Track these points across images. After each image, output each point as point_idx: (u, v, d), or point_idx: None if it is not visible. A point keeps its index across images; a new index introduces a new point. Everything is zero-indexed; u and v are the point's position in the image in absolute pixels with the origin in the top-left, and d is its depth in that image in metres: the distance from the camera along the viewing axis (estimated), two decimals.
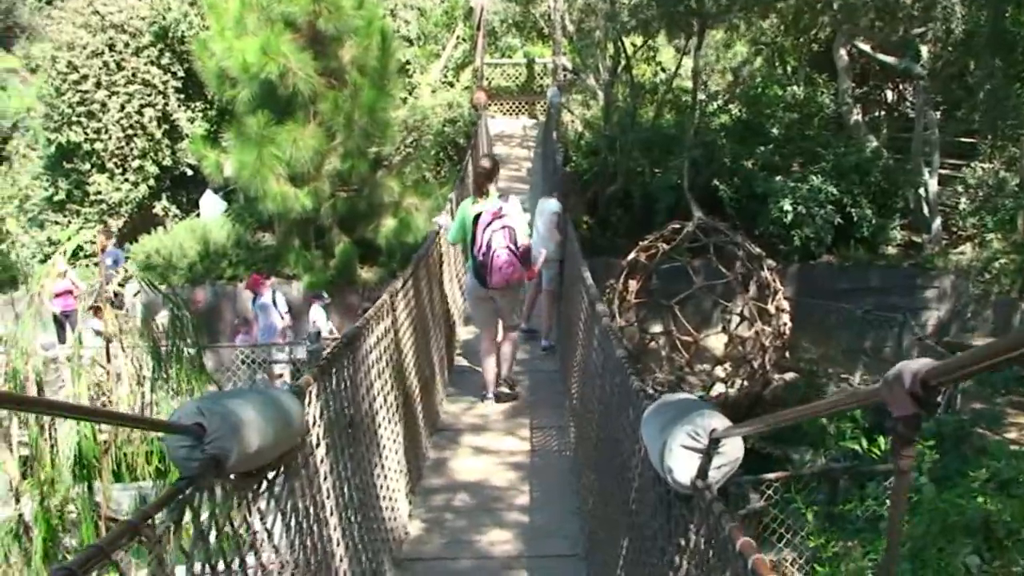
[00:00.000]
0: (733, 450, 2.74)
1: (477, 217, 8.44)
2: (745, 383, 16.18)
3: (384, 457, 5.42)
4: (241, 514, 2.82)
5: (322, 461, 3.80)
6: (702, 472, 2.67)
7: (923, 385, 1.62)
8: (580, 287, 7.31)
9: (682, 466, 2.70)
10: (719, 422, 2.71)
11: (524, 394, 9.21)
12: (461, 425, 8.27)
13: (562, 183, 12.55)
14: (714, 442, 2.66)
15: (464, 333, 11.41)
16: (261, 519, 3.00)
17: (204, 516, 2.55)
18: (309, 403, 3.59)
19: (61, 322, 16.15)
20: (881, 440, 14.80)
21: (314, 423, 3.67)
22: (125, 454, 6.72)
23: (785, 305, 15.89)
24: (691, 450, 2.68)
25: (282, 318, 15.70)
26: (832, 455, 15.32)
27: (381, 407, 5.42)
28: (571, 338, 8.42)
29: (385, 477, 5.41)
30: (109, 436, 6.64)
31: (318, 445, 3.73)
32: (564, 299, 10.35)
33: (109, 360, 6.79)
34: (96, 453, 6.52)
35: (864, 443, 14.96)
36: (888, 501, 9.79)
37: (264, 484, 3.03)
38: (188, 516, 2.46)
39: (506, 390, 9.04)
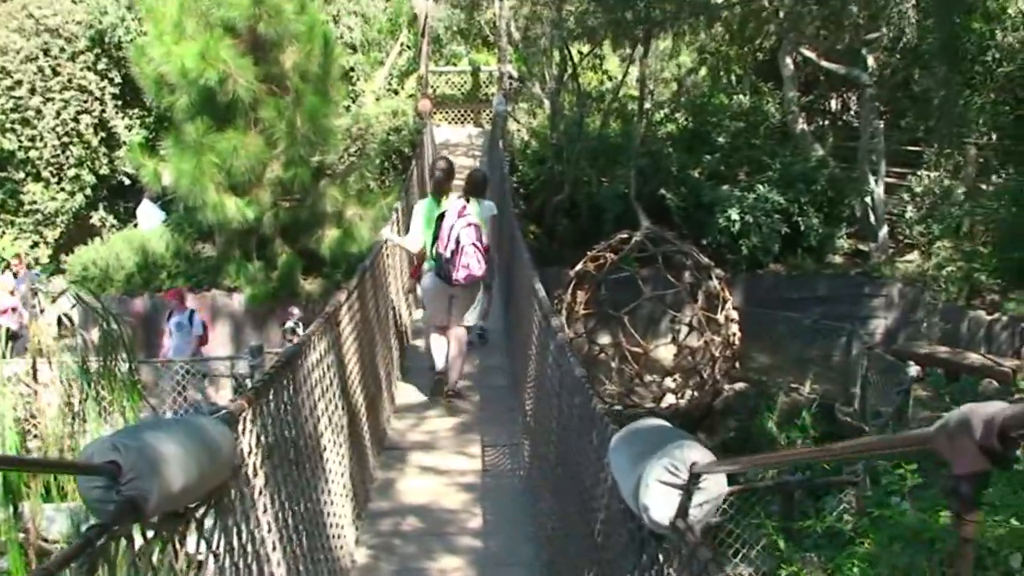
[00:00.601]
0: (716, 486, 2.45)
1: (440, 216, 8.75)
2: (695, 394, 16.04)
3: (329, 481, 5.11)
4: (166, 561, 2.49)
5: (260, 493, 3.49)
6: (682, 511, 2.39)
7: (1001, 436, 1.24)
8: (532, 299, 7.05)
9: (659, 503, 2.42)
10: (700, 455, 2.44)
11: (472, 408, 8.93)
12: (408, 443, 7.97)
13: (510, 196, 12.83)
14: (694, 477, 2.38)
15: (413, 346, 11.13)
16: (189, 564, 2.67)
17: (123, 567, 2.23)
18: (244, 430, 3.28)
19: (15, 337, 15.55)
20: None
21: (250, 451, 3.36)
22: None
23: (734, 315, 15.76)
24: (669, 486, 2.41)
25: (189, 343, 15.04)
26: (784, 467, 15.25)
27: (325, 428, 5.11)
28: (522, 351, 8.16)
29: (330, 503, 5.11)
30: (39, 452, 6.27)
31: (255, 475, 3.42)
32: (512, 308, 10.19)
33: (36, 379, 6.40)
34: (24, 480, 6.14)
35: None
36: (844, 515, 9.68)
37: (192, 524, 2.70)
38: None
39: (454, 395, 9.15)
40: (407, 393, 9.54)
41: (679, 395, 16.19)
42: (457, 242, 8.54)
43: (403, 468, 7.35)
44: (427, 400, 9.16)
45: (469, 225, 8.64)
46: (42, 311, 14.87)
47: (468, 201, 8.90)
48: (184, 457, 2.41)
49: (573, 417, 4.29)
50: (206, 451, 2.60)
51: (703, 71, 23.23)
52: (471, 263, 8.59)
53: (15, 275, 15.77)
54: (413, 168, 16.91)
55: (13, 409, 6.24)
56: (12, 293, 15.95)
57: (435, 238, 8.77)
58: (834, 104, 25.94)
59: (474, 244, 8.61)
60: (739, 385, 17.21)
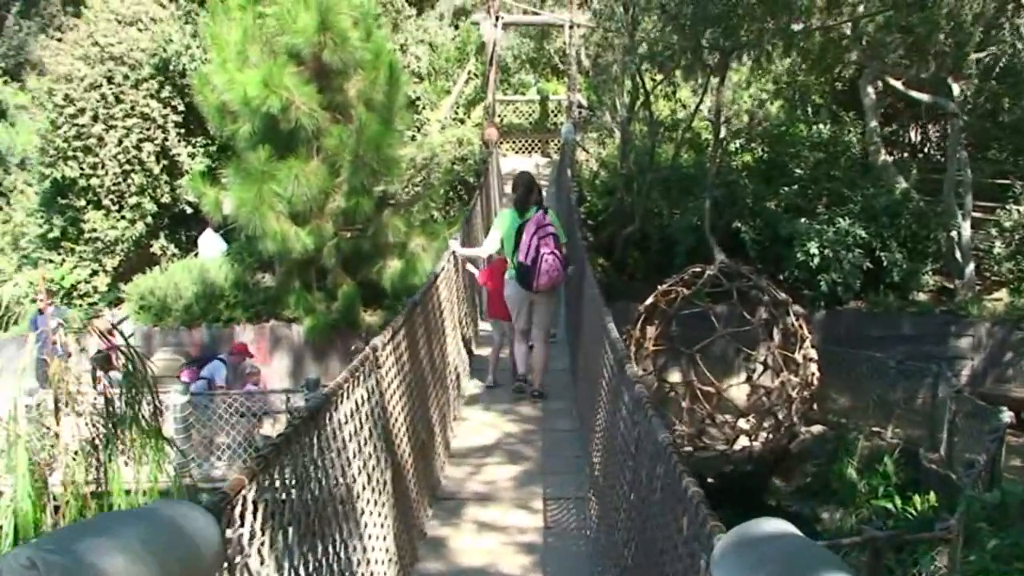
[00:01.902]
0: None
1: (521, 227, 9.47)
2: (770, 436, 15.32)
3: (366, 548, 4.47)
4: None
5: None
6: None
7: None
8: (603, 339, 6.38)
9: None
10: None
11: (534, 455, 8.26)
12: (465, 493, 7.29)
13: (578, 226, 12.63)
14: None
15: (471, 387, 10.48)
16: None
17: None
18: (244, 512, 2.65)
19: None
20: (917, 499, 13.89)
21: (253, 537, 2.74)
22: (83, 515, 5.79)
23: (813, 354, 15.06)
24: None
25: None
26: (864, 514, 14.44)
27: (364, 487, 4.49)
28: (590, 395, 7.49)
29: (368, 572, 4.46)
30: (62, 497, 5.75)
31: (263, 562, 2.79)
32: (580, 347, 9.65)
33: (58, 420, 5.87)
34: (39, 521, 5.63)
35: (898, 502, 14.07)
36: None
37: None
38: None
39: (538, 395, 9.95)
40: (466, 432, 8.91)
41: (753, 437, 15.44)
42: (538, 251, 9.28)
43: (457, 523, 6.67)
44: (488, 444, 8.52)
45: (549, 235, 9.41)
46: (64, 347, 14.48)
47: (545, 211, 9.67)
48: (137, 568, 1.78)
49: (654, 489, 3.61)
50: (174, 555, 1.97)
51: (777, 102, 22.52)
52: (551, 271, 9.33)
53: (40, 311, 15.35)
54: (477, 197, 16.36)
55: (29, 452, 5.72)
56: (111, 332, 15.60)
57: (516, 248, 9.47)
58: (913, 135, 25.00)
59: (554, 252, 9.36)
60: (816, 428, 16.48)
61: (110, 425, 5.53)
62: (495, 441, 8.59)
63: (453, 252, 10.50)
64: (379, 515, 4.84)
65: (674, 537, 3.09)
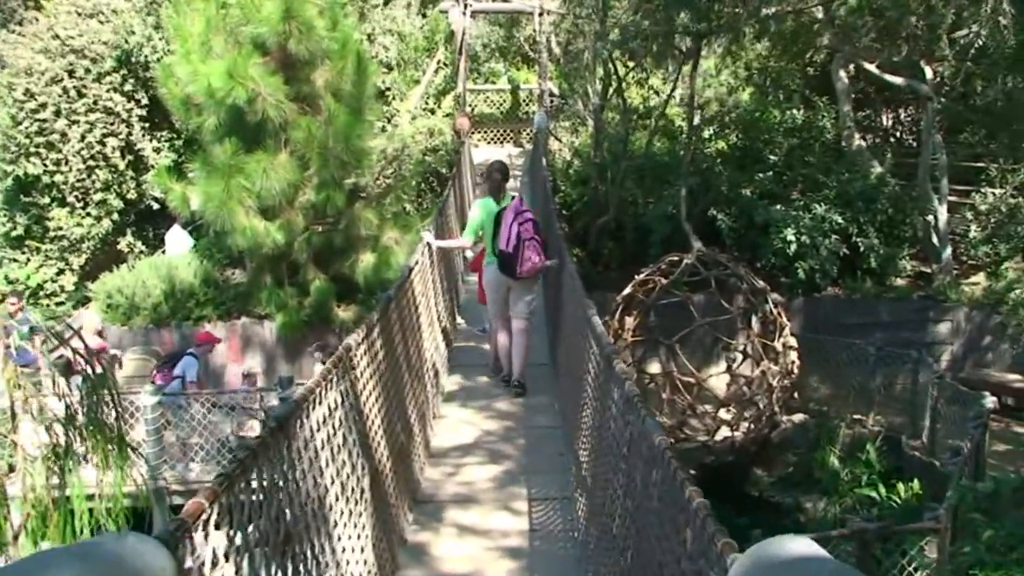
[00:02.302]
0: None
1: (499, 214, 9.59)
2: (751, 426, 15.21)
3: (343, 562, 4.20)
4: None
5: None
6: None
7: None
8: (586, 333, 6.13)
9: None
10: None
11: (516, 453, 8.00)
12: (445, 496, 7.01)
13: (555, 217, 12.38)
14: None
15: (450, 383, 10.21)
16: None
17: None
18: (207, 534, 2.39)
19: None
20: (900, 487, 13.77)
21: (215, 564, 2.47)
22: None
23: (793, 342, 15.01)
24: None
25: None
26: (847, 503, 14.30)
27: (339, 495, 4.21)
28: (573, 390, 7.24)
29: None
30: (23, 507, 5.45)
31: None
32: (560, 340, 9.44)
33: (15, 429, 5.56)
34: None
35: (882, 490, 13.95)
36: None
37: None
38: None
39: (519, 387, 9.81)
40: (445, 431, 8.63)
41: (734, 427, 15.29)
42: (519, 238, 9.33)
43: (438, 527, 6.39)
44: (467, 443, 8.25)
45: (529, 221, 9.49)
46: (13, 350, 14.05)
47: (520, 200, 9.84)
48: None
49: (650, 495, 3.35)
50: None
51: (748, 89, 22.34)
52: (533, 256, 9.39)
53: (12, 315, 14.89)
54: (450, 188, 16.07)
55: None
56: (100, 333, 15.25)
57: (495, 235, 9.57)
58: (885, 119, 24.89)
59: (534, 238, 9.44)
60: (798, 417, 16.32)
61: (70, 432, 5.23)
62: (475, 439, 8.32)
63: (428, 244, 10.30)
64: (356, 524, 4.57)
65: (676, 550, 2.85)
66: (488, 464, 7.69)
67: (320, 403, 3.96)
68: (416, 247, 10.13)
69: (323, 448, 3.95)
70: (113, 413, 5.17)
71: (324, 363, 4.65)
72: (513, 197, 9.92)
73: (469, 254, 12.00)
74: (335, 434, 4.20)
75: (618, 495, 4.22)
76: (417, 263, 8.91)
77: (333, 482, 4.10)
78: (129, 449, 5.31)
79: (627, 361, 15.15)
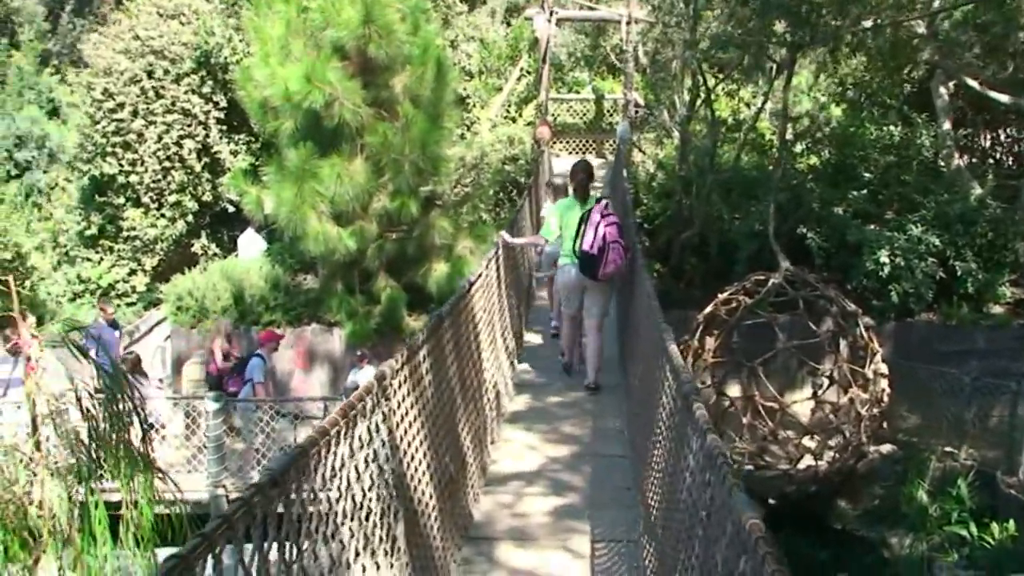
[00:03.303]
0: None
1: (584, 215, 9.61)
2: (837, 456, 14.45)
3: None
4: None
5: None
6: None
7: None
8: (663, 360, 5.51)
9: None
10: None
11: (581, 484, 7.39)
12: (499, 531, 6.40)
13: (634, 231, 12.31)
14: None
15: (514, 404, 9.64)
16: None
17: None
18: None
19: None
20: (994, 526, 12.95)
21: None
22: None
23: (884, 368, 14.22)
24: None
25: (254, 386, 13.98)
26: (935, 540, 13.56)
27: (359, 552, 3.66)
28: (645, 421, 6.63)
29: None
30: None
31: None
32: (633, 363, 8.90)
33: (39, 447, 5.16)
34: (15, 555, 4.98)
35: (973, 529, 13.17)
36: None
37: None
38: None
39: (594, 388, 9.90)
40: (506, 456, 8.02)
41: (818, 456, 14.56)
42: (604, 240, 9.40)
43: (488, 568, 5.83)
44: (529, 470, 7.65)
45: (613, 224, 9.56)
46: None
47: (606, 204, 9.88)
48: None
49: None
50: None
51: (841, 105, 21.55)
52: (616, 259, 9.48)
53: (114, 326, 14.86)
54: (526, 198, 15.58)
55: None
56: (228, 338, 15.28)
57: (577, 236, 9.59)
58: (984, 139, 23.87)
59: (618, 241, 9.51)
60: (886, 447, 15.50)
61: (92, 448, 4.82)
62: (538, 467, 7.69)
63: (501, 245, 10.47)
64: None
65: None
66: (549, 496, 7.07)
67: (339, 444, 3.41)
68: (485, 257, 9.61)
69: (342, 498, 3.40)
70: (136, 423, 4.76)
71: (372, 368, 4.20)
72: (599, 200, 9.96)
73: (549, 249, 11.66)
74: (359, 477, 3.65)
75: (693, 564, 3.62)
76: (480, 276, 8.34)
77: (354, 535, 3.55)
78: (146, 462, 4.88)
79: (706, 383, 14.58)
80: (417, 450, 4.87)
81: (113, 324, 15.02)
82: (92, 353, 14.60)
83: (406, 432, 4.64)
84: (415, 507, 4.64)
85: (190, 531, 4.93)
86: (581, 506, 6.87)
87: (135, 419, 4.73)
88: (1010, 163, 22.82)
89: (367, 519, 3.75)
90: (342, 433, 3.45)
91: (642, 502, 6.23)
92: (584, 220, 9.60)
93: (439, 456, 5.42)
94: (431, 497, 5.07)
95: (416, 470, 4.79)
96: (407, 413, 4.68)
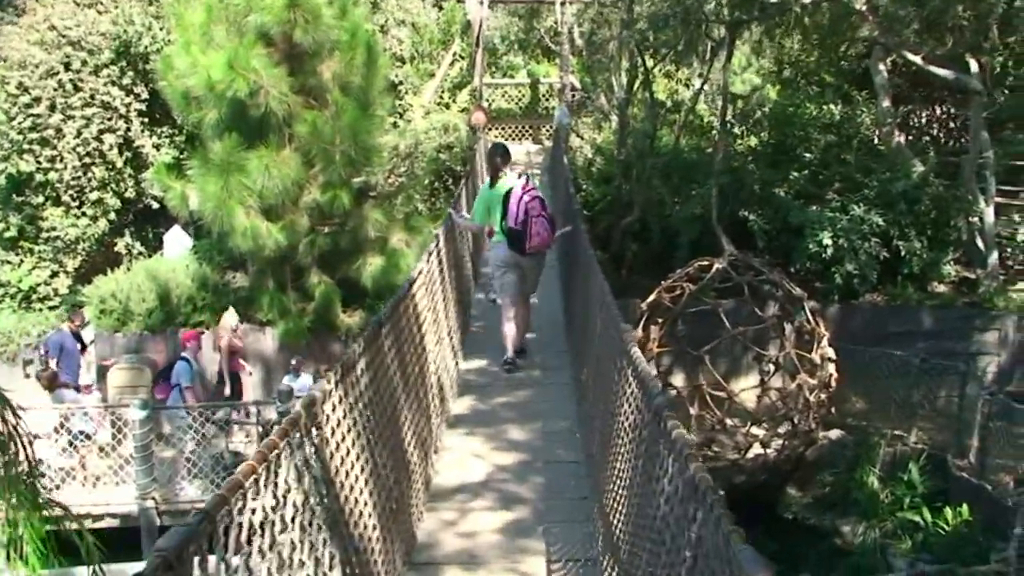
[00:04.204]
0: None
1: (507, 193, 9.91)
2: (785, 443, 14.24)
3: None
4: None
5: None
6: None
7: None
8: (623, 365, 5.03)
9: None
10: None
11: (532, 496, 6.88)
12: (444, 554, 5.79)
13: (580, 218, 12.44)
14: None
15: (457, 406, 9.10)
16: None
17: None
18: None
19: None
20: (948, 511, 12.75)
21: None
22: None
23: (831, 353, 14.10)
24: None
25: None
26: (888, 527, 13.36)
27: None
28: (600, 426, 6.16)
29: None
30: None
31: None
32: (584, 361, 8.46)
33: None
34: None
35: (927, 514, 13.00)
36: None
37: None
38: None
39: (517, 356, 10.38)
40: (450, 466, 7.44)
41: (767, 445, 14.31)
42: (526, 213, 9.72)
43: None
44: (475, 481, 7.11)
45: (536, 198, 9.87)
46: None
47: (527, 179, 10.17)
48: None
49: None
50: None
51: (775, 88, 21.30)
52: (541, 231, 9.79)
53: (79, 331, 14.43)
54: (463, 186, 15.10)
55: None
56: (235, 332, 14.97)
57: (506, 213, 9.86)
58: (925, 116, 23.76)
59: (542, 215, 9.83)
60: (835, 433, 15.37)
61: None
62: (484, 477, 7.13)
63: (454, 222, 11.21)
64: None
65: None
66: (498, 510, 6.54)
67: (258, 497, 2.87)
68: (425, 250, 9.06)
69: (265, 559, 2.87)
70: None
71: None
72: (520, 176, 10.26)
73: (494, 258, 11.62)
74: (290, 526, 3.12)
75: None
76: (421, 272, 7.79)
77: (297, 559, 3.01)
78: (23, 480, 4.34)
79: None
80: (357, 479, 4.33)
81: (77, 336, 14.44)
82: (53, 363, 14.08)
83: (343, 461, 4.09)
84: (354, 543, 4.11)
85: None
86: (533, 521, 6.37)
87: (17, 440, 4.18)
88: (944, 139, 22.70)
89: (300, 569, 3.21)
90: (262, 481, 2.91)
91: (600, 515, 5.75)
92: (507, 197, 9.89)
93: (381, 480, 4.88)
94: (372, 528, 4.54)
95: (356, 502, 4.25)
96: (343, 439, 4.13)
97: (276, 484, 3.05)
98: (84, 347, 15.62)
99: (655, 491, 3.66)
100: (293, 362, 14.75)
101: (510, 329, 10.27)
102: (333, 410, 4.03)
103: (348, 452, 4.21)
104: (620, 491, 4.94)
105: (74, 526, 4.64)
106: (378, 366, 5.24)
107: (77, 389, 13.89)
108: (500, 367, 10.28)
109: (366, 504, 4.47)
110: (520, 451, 7.74)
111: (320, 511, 3.56)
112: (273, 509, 2.98)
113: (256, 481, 2.85)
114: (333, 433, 3.97)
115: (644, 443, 4.16)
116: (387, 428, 5.30)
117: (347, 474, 4.16)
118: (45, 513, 4.61)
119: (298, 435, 3.38)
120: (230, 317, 15.10)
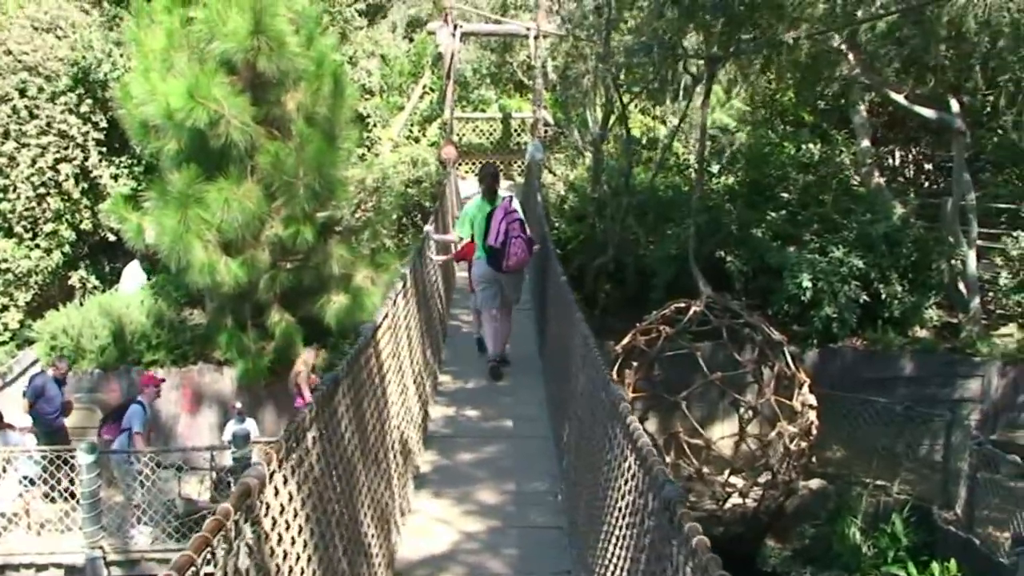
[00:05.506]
0: None
1: (490, 213, 10.64)
2: (765, 493, 13.92)
3: None
4: None
5: None
6: None
7: None
8: (615, 427, 4.45)
9: None
10: None
11: (508, 572, 6.21)
12: None
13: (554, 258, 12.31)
14: None
15: (424, 462, 8.41)
16: None
17: None
18: None
19: None
20: (935, 566, 12.32)
21: None
22: None
23: (812, 400, 13.69)
24: None
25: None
26: None
27: None
28: (589, 484, 5.55)
29: None
30: None
31: None
32: (570, 403, 7.76)
33: None
34: None
35: (912, 569, 12.64)
36: None
37: None
38: None
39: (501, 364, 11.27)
40: (414, 534, 6.68)
41: (745, 495, 13.86)
42: (506, 234, 10.46)
43: None
44: (441, 553, 6.38)
45: (517, 220, 10.62)
46: None
47: (510, 200, 10.86)
48: None
49: None
50: None
51: (747, 127, 21.00)
52: (519, 252, 10.59)
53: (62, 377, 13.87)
54: (432, 223, 14.62)
55: None
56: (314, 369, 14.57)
57: (487, 232, 10.60)
58: (901, 158, 23.58)
59: (520, 236, 10.60)
60: (815, 483, 14.97)
61: None
62: (451, 548, 6.39)
63: (430, 236, 12.20)
64: None
65: None
66: (478, 547, 5.91)
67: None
68: (390, 291, 8.42)
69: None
70: None
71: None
72: (503, 198, 10.86)
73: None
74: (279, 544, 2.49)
75: None
76: (386, 316, 7.12)
77: None
78: None
79: None
80: (304, 571, 3.67)
81: (60, 382, 13.75)
82: (25, 404, 13.39)
83: (286, 555, 3.44)
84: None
85: None
86: (514, 561, 5.71)
87: None
88: (923, 181, 22.50)
89: None
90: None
91: (581, 558, 5.11)
92: (489, 217, 10.63)
93: (335, 565, 4.22)
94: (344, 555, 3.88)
95: (330, 530, 3.60)
96: (287, 528, 3.47)
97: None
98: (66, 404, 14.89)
99: (639, 533, 3.10)
100: (238, 405, 14.12)
101: (493, 330, 11.15)
102: (276, 495, 3.37)
103: (294, 542, 3.55)
104: (602, 537, 4.33)
105: None
106: (332, 432, 4.58)
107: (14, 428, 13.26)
108: (485, 374, 11.14)
109: (347, 532, 3.82)
110: (491, 517, 6.99)
111: (309, 532, 2.94)
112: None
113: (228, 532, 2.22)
114: (274, 525, 3.30)
115: (648, 535, 3.56)
116: (344, 503, 4.63)
117: (291, 570, 3.50)
118: None
119: (226, 542, 2.74)
120: (308, 353, 14.74)
